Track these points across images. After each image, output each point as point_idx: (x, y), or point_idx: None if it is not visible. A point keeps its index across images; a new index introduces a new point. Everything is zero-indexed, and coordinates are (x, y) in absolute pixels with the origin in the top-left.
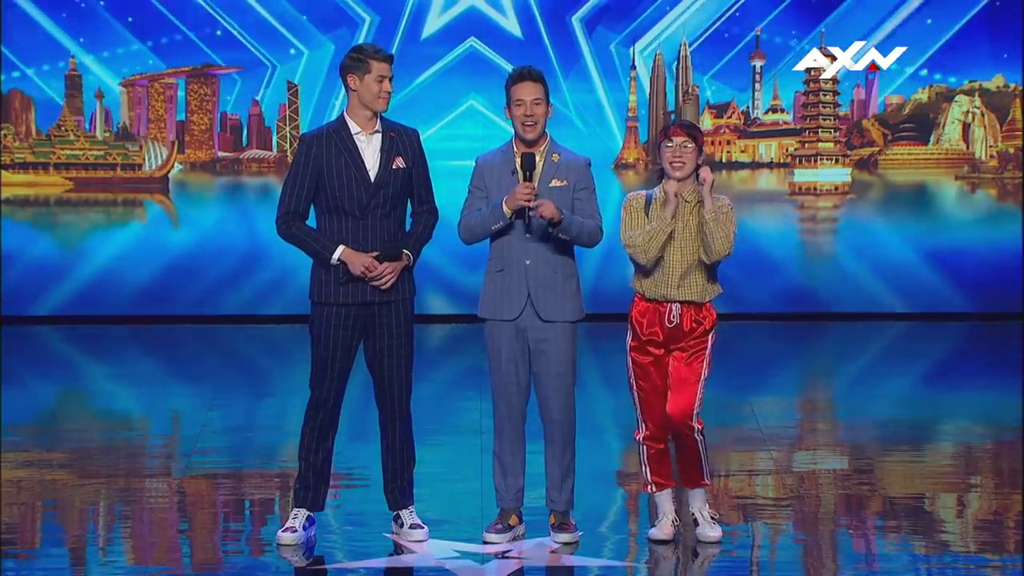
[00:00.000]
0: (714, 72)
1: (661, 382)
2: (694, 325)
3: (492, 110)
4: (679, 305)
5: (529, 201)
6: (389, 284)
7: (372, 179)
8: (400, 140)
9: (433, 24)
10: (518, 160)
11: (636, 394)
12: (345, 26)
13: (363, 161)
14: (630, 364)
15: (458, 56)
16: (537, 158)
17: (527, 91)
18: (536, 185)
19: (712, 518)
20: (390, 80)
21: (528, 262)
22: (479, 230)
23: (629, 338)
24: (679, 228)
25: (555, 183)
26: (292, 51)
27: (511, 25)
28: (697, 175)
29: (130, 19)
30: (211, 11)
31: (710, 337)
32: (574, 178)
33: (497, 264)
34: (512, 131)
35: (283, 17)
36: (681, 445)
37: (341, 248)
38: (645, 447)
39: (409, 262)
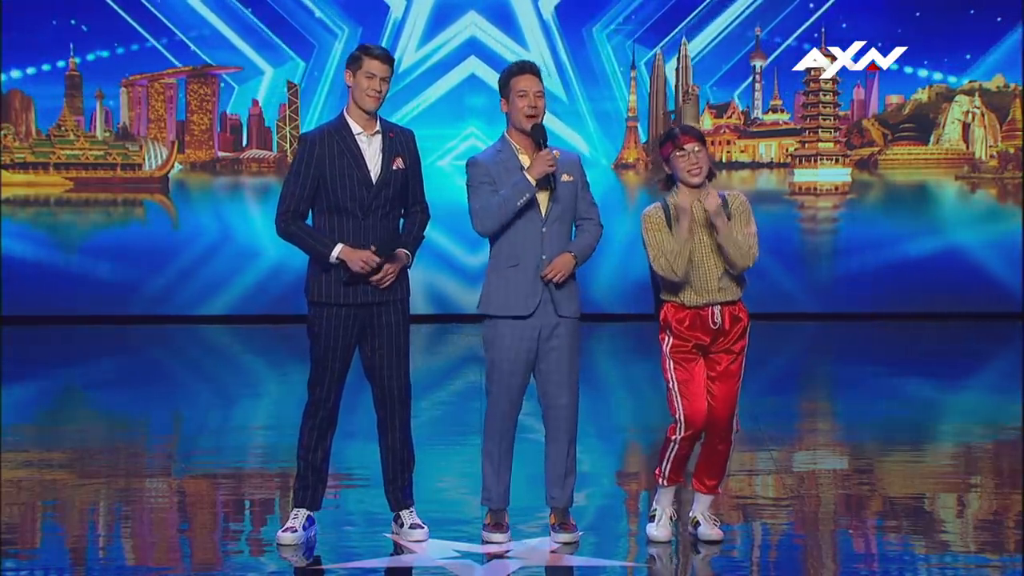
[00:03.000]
0: (716, 77)
1: (703, 385)
2: (733, 322)
3: (488, 133)
4: (720, 307)
5: (553, 166)
6: (389, 283)
7: (374, 180)
8: (399, 140)
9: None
10: (523, 139)
11: (678, 396)
12: (328, 37)
13: (365, 162)
14: (671, 367)
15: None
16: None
17: (532, 83)
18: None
19: (714, 520)
20: (382, 80)
21: (544, 257)
22: (503, 212)
23: (669, 343)
24: (702, 235)
25: (565, 178)
26: (290, 54)
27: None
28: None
29: (130, 19)
30: (212, 11)
31: (747, 336)
32: (577, 174)
33: (510, 260)
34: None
35: (275, 22)
36: (712, 449)
37: (339, 247)
38: (678, 447)
39: (408, 261)
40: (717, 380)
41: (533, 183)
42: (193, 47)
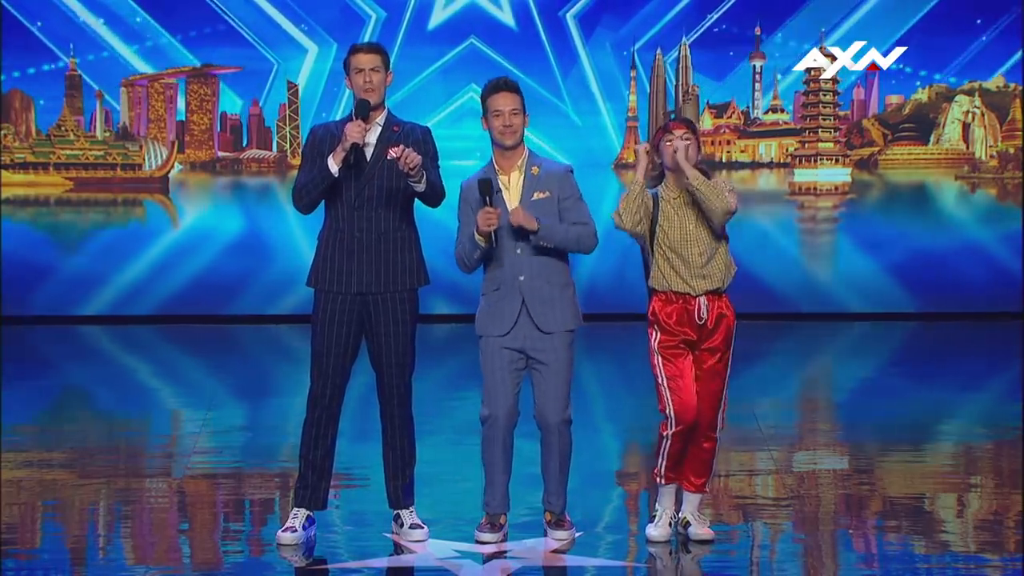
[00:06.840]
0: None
1: (692, 379)
2: (719, 318)
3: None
4: (705, 299)
5: (491, 225)
6: (413, 161)
7: (364, 168)
8: (403, 134)
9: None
10: (503, 159)
11: (667, 391)
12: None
13: (360, 151)
14: (660, 363)
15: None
16: (515, 174)
17: (504, 101)
18: (518, 203)
19: (704, 519)
20: (372, 71)
21: (522, 278)
22: (468, 261)
23: (656, 337)
24: (687, 223)
25: (537, 196)
26: (292, 50)
27: (509, 21)
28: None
29: (135, 19)
30: (214, 9)
31: (732, 333)
32: (556, 189)
33: (493, 285)
34: (491, 150)
35: (275, 18)
36: (697, 447)
37: (328, 159)
38: (670, 442)
39: (420, 164)
40: (702, 378)
41: (482, 243)
42: (201, 45)
